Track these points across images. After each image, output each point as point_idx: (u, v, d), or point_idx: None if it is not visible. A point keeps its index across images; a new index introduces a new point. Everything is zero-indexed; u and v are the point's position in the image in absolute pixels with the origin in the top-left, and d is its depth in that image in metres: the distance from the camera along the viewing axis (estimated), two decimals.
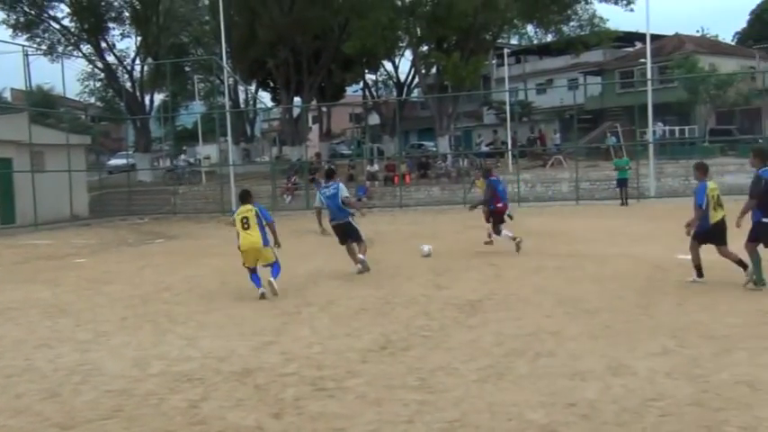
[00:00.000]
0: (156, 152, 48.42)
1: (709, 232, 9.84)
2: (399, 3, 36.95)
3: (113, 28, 43.11)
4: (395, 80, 48.53)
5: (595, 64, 50.81)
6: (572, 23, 39.50)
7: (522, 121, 46.99)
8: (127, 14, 42.80)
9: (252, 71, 45.17)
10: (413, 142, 52.76)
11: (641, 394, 5.58)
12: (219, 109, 41.62)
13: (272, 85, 48.86)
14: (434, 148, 40.94)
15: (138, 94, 42.62)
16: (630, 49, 51.08)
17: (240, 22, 40.86)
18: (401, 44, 42.28)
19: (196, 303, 10.41)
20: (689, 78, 40.14)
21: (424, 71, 40.15)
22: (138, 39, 42.46)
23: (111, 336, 8.45)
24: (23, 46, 36.70)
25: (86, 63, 44.69)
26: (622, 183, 26.55)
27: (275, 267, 10.62)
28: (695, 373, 6.07)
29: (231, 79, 42.93)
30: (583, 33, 39.31)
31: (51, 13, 40.90)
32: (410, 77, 46.12)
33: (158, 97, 47.73)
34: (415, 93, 49.19)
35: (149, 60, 42.20)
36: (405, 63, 50.17)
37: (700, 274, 10.03)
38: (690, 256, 10.17)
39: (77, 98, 48.79)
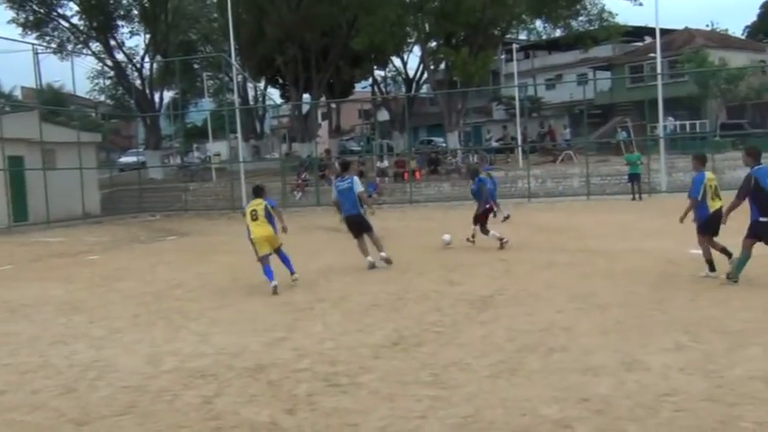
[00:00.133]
0: (166, 149, 48.55)
1: (709, 221, 9.95)
2: None
3: (122, 26, 43.20)
4: (403, 76, 48.51)
5: (605, 59, 50.62)
6: (581, 18, 39.31)
7: (532, 116, 46.82)
8: (135, 12, 42.83)
9: (260, 68, 45.22)
10: (422, 138, 52.71)
11: (655, 390, 5.57)
12: (229, 106, 41.62)
13: (280, 81, 48.89)
14: (444, 144, 40.89)
15: (147, 91, 42.70)
16: (640, 44, 50.87)
17: (248, 19, 40.86)
18: (409, 40, 42.19)
19: (208, 300, 10.46)
20: (699, 73, 39.96)
21: (432, 67, 40.06)
22: (147, 36, 42.52)
23: (125, 332, 8.51)
24: (33, 44, 36.96)
25: (96, 61, 44.89)
26: (634, 178, 26.42)
27: (286, 260, 11.10)
28: (709, 368, 6.06)
29: (240, 76, 42.99)
30: (592, 28, 39.11)
31: (60, 11, 40.97)
32: (419, 73, 46.08)
33: (168, 95, 47.90)
34: (424, 89, 49.10)
35: (158, 58, 42.25)
36: (413, 59, 50.09)
37: (712, 268, 10.01)
38: (701, 251, 10.17)
39: (87, 96, 49.01)
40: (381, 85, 51.62)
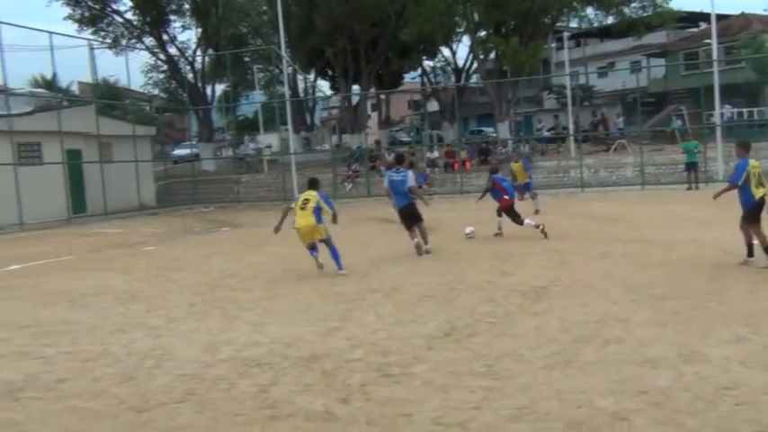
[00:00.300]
0: (218, 142, 49.14)
1: (755, 208, 9.93)
2: None
3: (174, 20, 43.90)
4: (453, 66, 48.17)
5: (658, 46, 49.51)
6: (634, 4, 38.47)
7: (584, 105, 46.12)
8: (187, 7, 43.46)
9: (310, 60, 45.41)
10: (472, 128, 52.38)
11: (715, 382, 5.47)
12: (279, 98, 41.96)
13: (330, 73, 49.04)
14: (494, 134, 40.59)
15: (199, 84, 43.31)
16: (695, 30, 49.64)
17: (298, 11, 41.07)
18: (459, 30, 41.86)
19: (262, 290, 10.58)
20: (757, 59, 38.79)
21: (482, 56, 39.72)
22: (199, 30, 43.11)
23: (181, 322, 8.66)
24: (89, 40, 37.74)
25: (149, 55, 45.75)
26: (691, 166, 25.86)
27: (333, 250, 11.30)
28: None
29: (290, 68, 43.24)
30: (645, 14, 38.29)
31: (114, 7, 41.82)
32: (468, 63, 45.71)
33: (219, 87, 48.53)
34: (474, 78, 48.72)
35: (210, 51, 42.80)
36: (463, 49, 49.78)
37: None
38: (758, 241, 9.95)
39: (142, 90, 49.95)
40: (430, 76, 51.39)
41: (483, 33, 38.63)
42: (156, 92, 51.47)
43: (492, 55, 39.65)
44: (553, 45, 52.47)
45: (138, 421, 5.38)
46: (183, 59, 44.07)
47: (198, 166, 40.54)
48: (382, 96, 51.28)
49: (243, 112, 60.37)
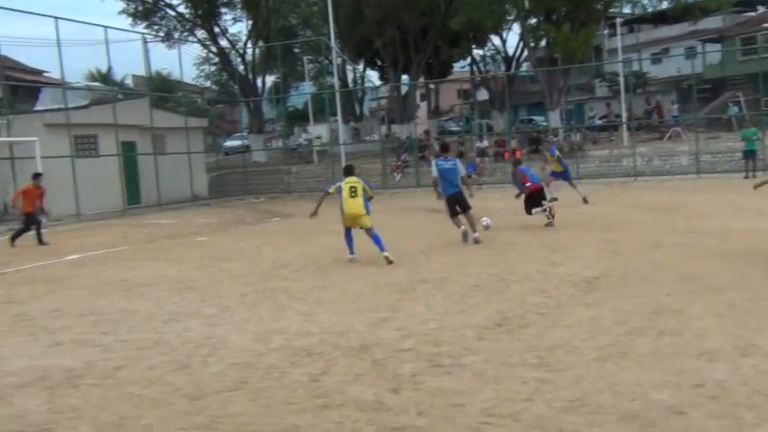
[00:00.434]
0: (268, 133, 49.57)
1: None
2: None
3: (225, 13, 44.33)
4: (503, 54, 47.77)
5: (714, 30, 48.29)
6: None
7: (637, 92, 45.27)
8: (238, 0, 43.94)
9: (359, 50, 45.50)
10: (522, 117, 51.89)
11: None
12: (329, 89, 42.16)
13: (379, 63, 49.09)
14: (545, 123, 40.13)
15: (250, 76, 43.71)
16: (753, 14, 48.37)
17: (347, 1, 41.11)
18: (509, 17, 41.46)
19: (312, 280, 10.65)
20: None
21: (532, 44, 39.26)
22: (249, 23, 43.47)
23: (234, 311, 8.77)
24: (142, 34, 38.44)
25: (201, 48, 46.35)
26: (749, 154, 25.21)
27: (377, 239, 11.73)
28: None
29: (339, 59, 43.39)
30: None
31: (167, 0, 42.43)
32: (518, 51, 45.29)
33: (270, 79, 48.92)
34: (524, 67, 48.25)
35: (260, 43, 43.15)
36: (513, 37, 49.46)
37: None
38: None
39: (194, 82, 50.64)
40: (480, 65, 51.04)
41: (533, 21, 38.13)
42: (207, 84, 52.24)
43: (543, 42, 39.11)
44: (605, 32, 51.58)
45: (192, 409, 5.45)
46: (233, 52, 44.53)
47: (249, 157, 41.00)
48: (431, 86, 51.14)
49: (293, 103, 60.79)
